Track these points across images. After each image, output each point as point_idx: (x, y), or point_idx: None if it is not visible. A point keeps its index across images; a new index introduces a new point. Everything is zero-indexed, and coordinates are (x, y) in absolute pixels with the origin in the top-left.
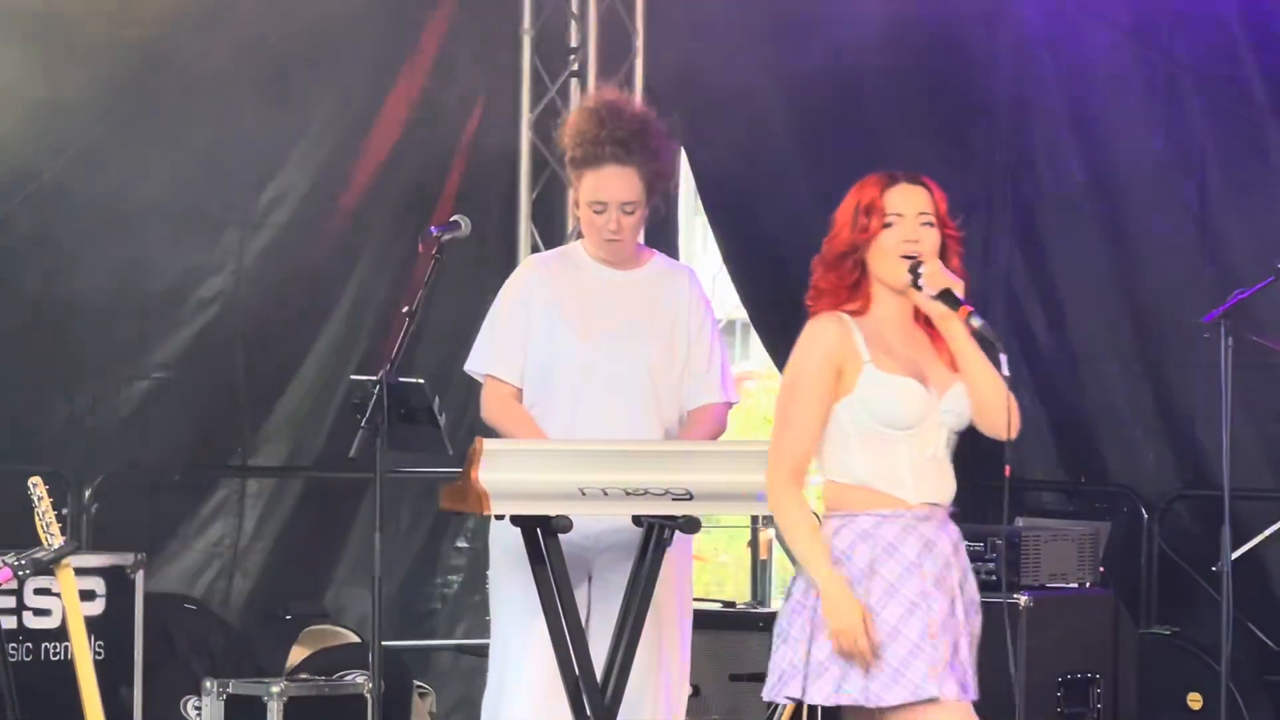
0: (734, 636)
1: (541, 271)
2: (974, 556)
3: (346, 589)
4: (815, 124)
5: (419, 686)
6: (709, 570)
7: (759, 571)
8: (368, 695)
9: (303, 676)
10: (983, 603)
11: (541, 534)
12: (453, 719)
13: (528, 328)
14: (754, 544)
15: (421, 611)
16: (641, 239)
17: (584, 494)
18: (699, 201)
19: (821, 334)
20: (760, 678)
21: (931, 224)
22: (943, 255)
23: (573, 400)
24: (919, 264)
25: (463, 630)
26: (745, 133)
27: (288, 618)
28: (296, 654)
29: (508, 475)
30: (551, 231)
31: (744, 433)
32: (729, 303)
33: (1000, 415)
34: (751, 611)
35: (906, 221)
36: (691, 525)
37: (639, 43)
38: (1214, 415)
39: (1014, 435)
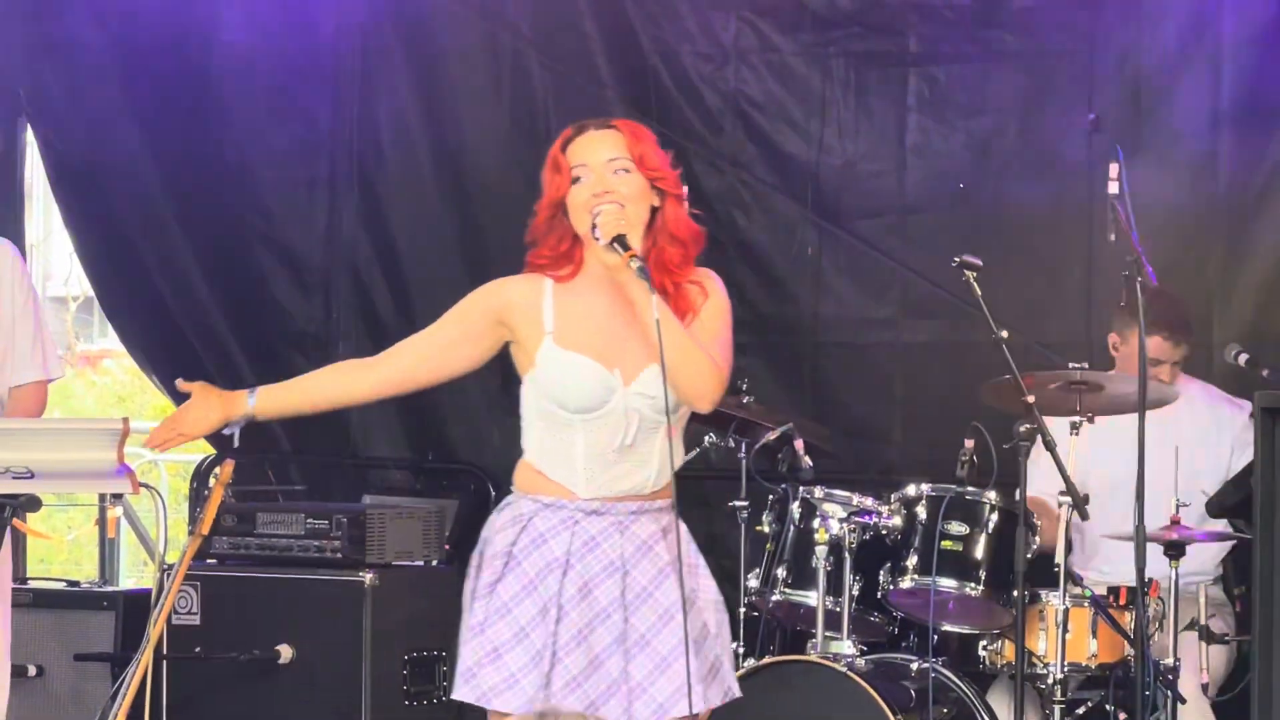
0: (79, 615)
1: None
2: (318, 534)
3: None
4: (161, 100)
5: None
6: (64, 549)
7: (106, 550)
8: None
9: None
10: (329, 580)
11: None
12: None
13: None
14: (101, 522)
15: None
16: None
17: None
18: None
19: (498, 286)
20: (106, 657)
21: (628, 169)
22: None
23: None
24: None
25: None
26: (91, 109)
27: None
28: None
29: None
30: None
31: (102, 410)
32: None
33: (687, 385)
34: (96, 590)
35: (592, 171)
36: (33, 503)
37: None
38: None
39: (705, 406)
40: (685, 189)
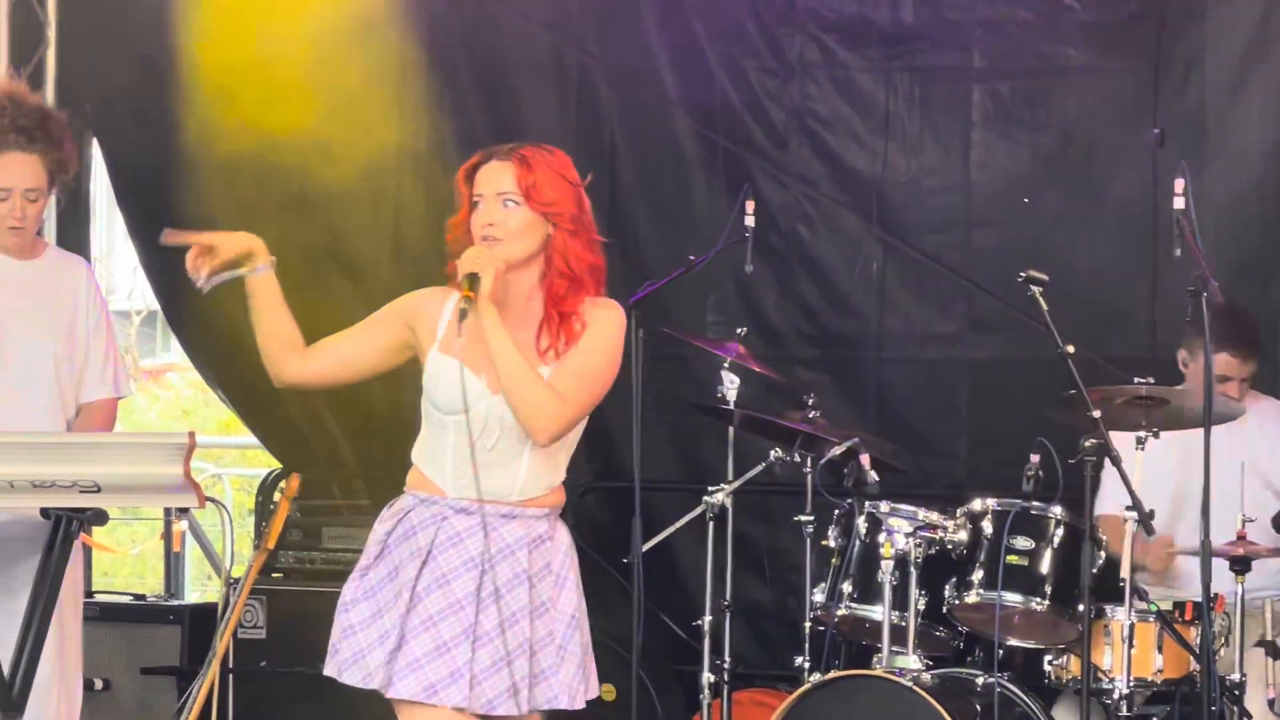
0: (145, 629)
1: None
2: None
3: None
4: (217, 115)
5: None
6: (127, 563)
7: (172, 564)
8: None
9: None
10: None
11: None
12: None
13: None
14: (167, 536)
15: None
16: (54, 231)
17: None
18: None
19: (415, 294)
20: (172, 670)
21: (516, 202)
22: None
23: None
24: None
25: None
26: (156, 126)
27: None
28: None
29: None
30: None
31: (165, 424)
32: (150, 294)
33: (521, 417)
34: (163, 604)
35: (486, 202)
36: (100, 518)
37: (51, 33)
38: (625, 406)
39: (542, 440)
40: (583, 223)
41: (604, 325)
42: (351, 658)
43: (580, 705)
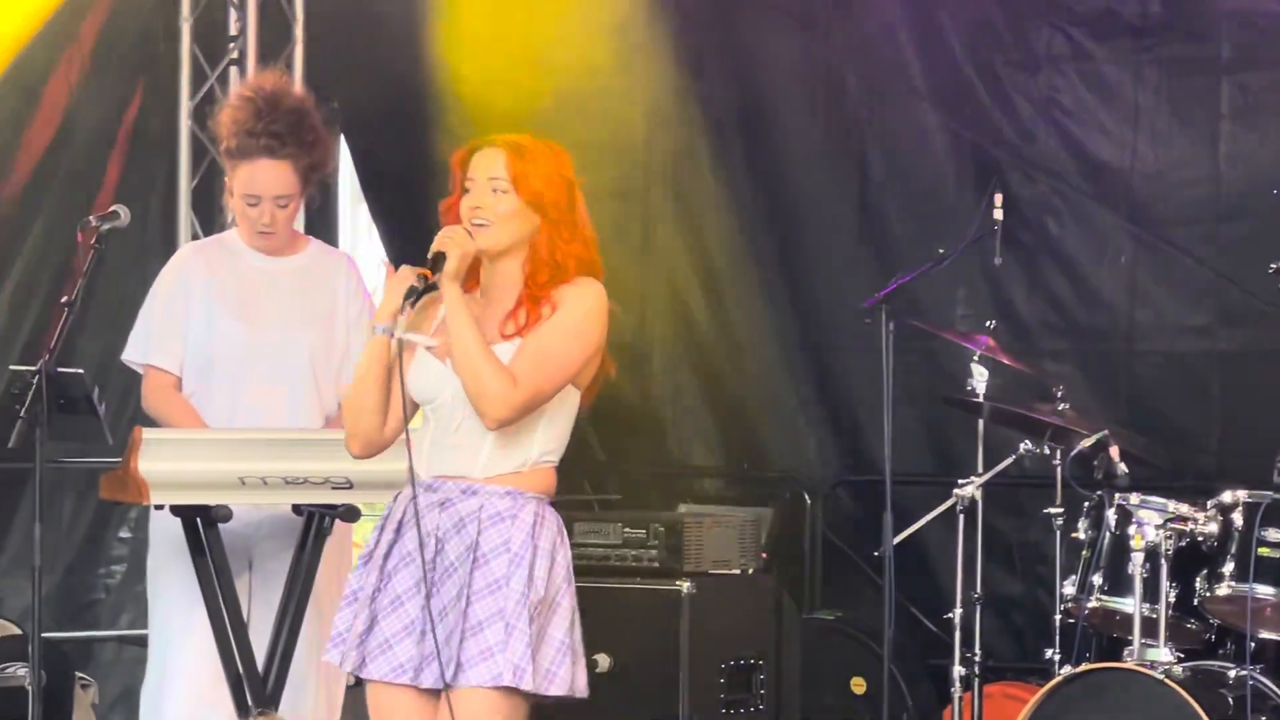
0: None
1: (198, 259)
2: (636, 544)
3: (7, 580)
4: (474, 114)
5: (81, 678)
6: None
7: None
8: (28, 688)
9: None
10: (647, 590)
11: (201, 524)
12: (116, 711)
13: (186, 316)
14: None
15: (84, 602)
16: (303, 226)
17: (244, 483)
18: (361, 188)
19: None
20: None
21: (504, 190)
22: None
23: (233, 388)
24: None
25: (126, 621)
26: (404, 121)
27: None
28: None
29: (167, 465)
30: (212, 219)
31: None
32: None
33: (472, 398)
34: None
35: (477, 186)
36: (351, 514)
37: (299, 31)
38: (875, 400)
39: (489, 424)
40: (572, 217)
41: (570, 305)
42: (336, 636)
43: (526, 686)
